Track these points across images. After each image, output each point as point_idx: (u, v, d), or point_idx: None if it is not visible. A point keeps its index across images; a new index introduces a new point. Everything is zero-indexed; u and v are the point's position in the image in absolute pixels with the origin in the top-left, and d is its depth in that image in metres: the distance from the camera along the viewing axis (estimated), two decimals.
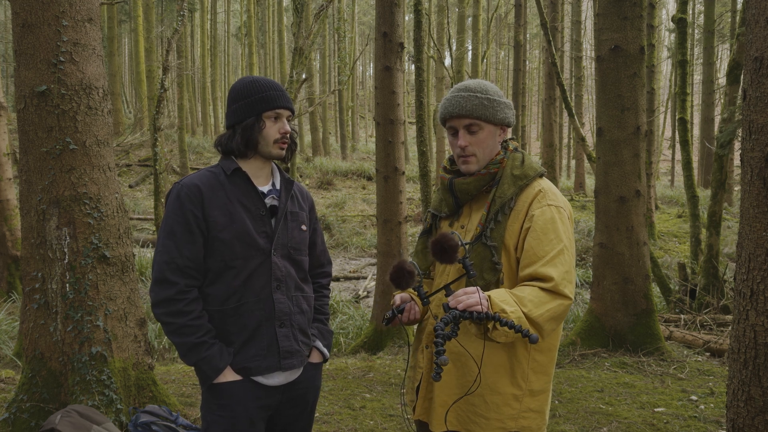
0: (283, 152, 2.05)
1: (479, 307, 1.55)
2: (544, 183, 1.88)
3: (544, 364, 1.86)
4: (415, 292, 1.98)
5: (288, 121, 2.07)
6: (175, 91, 28.29)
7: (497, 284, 1.81)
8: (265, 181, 2.09)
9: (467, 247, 1.76)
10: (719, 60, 35.12)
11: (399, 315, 1.89)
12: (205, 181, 1.98)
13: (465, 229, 1.92)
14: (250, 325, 1.97)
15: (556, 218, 1.79)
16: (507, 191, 1.84)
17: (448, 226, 1.99)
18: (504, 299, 1.65)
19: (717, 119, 18.88)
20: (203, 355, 1.91)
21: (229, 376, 1.94)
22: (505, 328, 1.58)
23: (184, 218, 1.93)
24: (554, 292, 1.70)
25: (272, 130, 2.01)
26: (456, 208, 1.97)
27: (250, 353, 1.97)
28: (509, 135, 2.00)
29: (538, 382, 1.85)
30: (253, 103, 2.00)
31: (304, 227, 2.13)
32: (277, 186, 2.11)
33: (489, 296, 1.64)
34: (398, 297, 1.96)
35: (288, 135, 2.04)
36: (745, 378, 2.17)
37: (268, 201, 2.05)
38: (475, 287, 1.61)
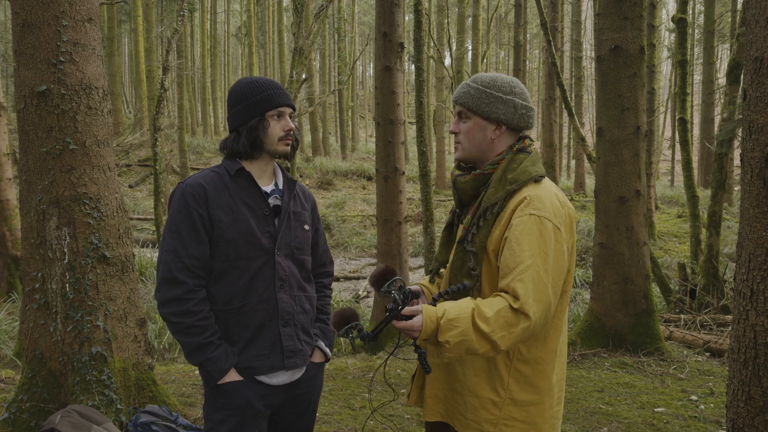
0: (289, 148, 2.06)
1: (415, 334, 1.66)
2: (536, 189, 1.76)
3: (529, 375, 1.79)
4: (426, 286, 2.06)
5: (291, 118, 2.08)
6: (175, 91, 28.28)
7: (478, 288, 1.79)
8: (267, 181, 2.09)
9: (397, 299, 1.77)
10: (719, 60, 35.11)
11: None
12: (210, 181, 1.98)
13: None
14: (254, 324, 1.97)
15: (535, 229, 1.69)
16: (492, 196, 1.78)
17: (460, 223, 1.98)
18: (457, 324, 1.63)
19: (717, 119, 18.89)
20: (209, 356, 1.91)
21: (233, 376, 1.95)
22: (445, 344, 1.65)
23: (189, 217, 1.93)
24: (520, 312, 1.64)
25: (276, 128, 2.02)
26: (462, 206, 1.96)
27: (253, 353, 1.97)
28: (520, 132, 1.92)
29: (522, 393, 1.79)
30: (255, 104, 2.00)
31: (306, 227, 2.13)
32: (280, 186, 2.11)
33: (439, 325, 1.63)
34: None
35: (292, 132, 2.05)
36: (745, 378, 2.17)
37: (272, 201, 2.06)
38: (420, 317, 1.65)
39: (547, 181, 1.84)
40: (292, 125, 2.05)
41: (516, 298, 1.65)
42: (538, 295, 1.65)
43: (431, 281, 2.08)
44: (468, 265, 1.78)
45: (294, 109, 2.09)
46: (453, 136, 1.93)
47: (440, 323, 1.62)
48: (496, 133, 1.86)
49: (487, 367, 1.80)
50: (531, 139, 1.93)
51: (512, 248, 1.69)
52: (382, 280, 1.74)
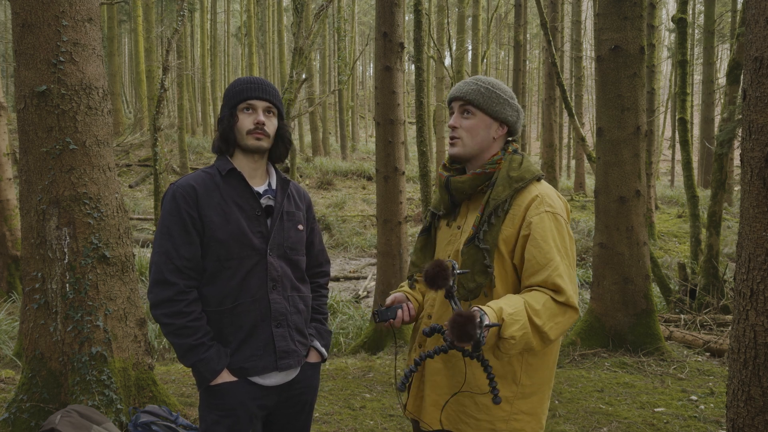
0: (260, 143, 2.00)
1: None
2: (542, 187, 1.85)
3: (537, 366, 1.83)
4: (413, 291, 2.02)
5: (270, 114, 2.04)
6: (175, 91, 28.30)
7: (489, 287, 1.79)
8: (260, 181, 2.08)
9: (456, 273, 1.69)
10: (719, 60, 35.11)
11: (391, 320, 1.89)
12: (200, 181, 1.98)
13: (461, 230, 1.91)
14: (247, 325, 1.96)
15: (554, 226, 1.78)
16: (501, 193, 1.82)
17: (446, 225, 1.98)
18: (517, 318, 1.61)
19: (717, 119, 18.89)
20: (201, 356, 1.90)
21: (226, 377, 1.94)
22: (510, 340, 1.60)
23: (180, 219, 1.93)
24: (566, 305, 1.71)
25: (246, 121, 2.00)
26: (452, 207, 1.96)
27: (246, 353, 1.96)
28: (509, 137, 1.96)
29: (530, 386, 1.82)
30: (228, 99, 2.03)
31: (300, 227, 2.12)
32: (273, 186, 2.10)
33: (503, 320, 1.59)
34: (391, 297, 1.96)
35: (262, 125, 2.00)
36: (745, 378, 2.17)
37: (264, 201, 2.04)
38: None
39: (544, 180, 1.92)
40: (262, 118, 2.00)
41: (558, 292, 1.71)
42: (574, 287, 1.74)
43: (411, 287, 2.07)
44: (484, 262, 1.79)
45: (274, 104, 2.04)
46: (449, 130, 1.94)
47: (504, 318, 1.61)
48: (498, 133, 1.91)
49: (500, 364, 1.80)
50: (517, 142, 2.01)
51: (539, 245, 1.75)
52: (437, 277, 1.66)
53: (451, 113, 1.94)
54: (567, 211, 1.87)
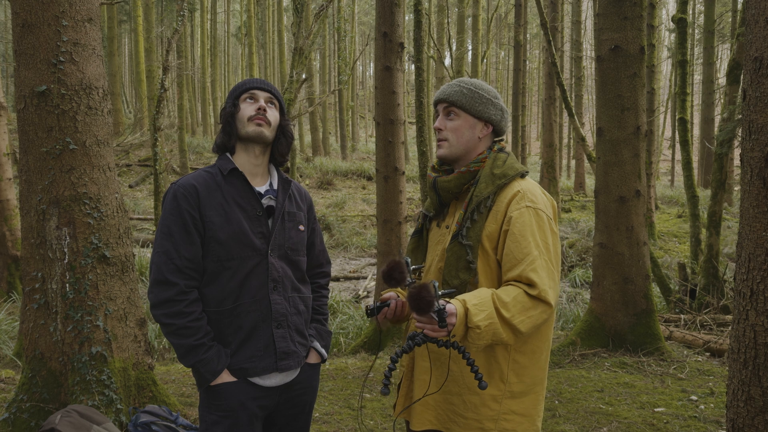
0: (261, 129, 2.01)
1: (443, 336, 1.58)
2: (524, 184, 1.86)
3: (526, 365, 1.83)
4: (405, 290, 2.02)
5: (271, 105, 2.07)
6: (175, 91, 28.28)
7: (474, 283, 1.80)
8: (262, 181, 2.08)
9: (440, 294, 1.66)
10: (719, 60, 35.11)
11: (385, 308, 1.90)
12: (202, 181, 1.97)
13: (449, 229, 1.92)
14: (247, 326, 1.96)
15: (534, 221, 1.77)
16: (484, 190, 1.83)
17: (436, 226, 1.99)
18: (483, 309, 1.63)
19: (717, 119, 18.88)
20: (201, 357, 1.90)
21: (226, 377, 1.94)
22: (476, 329, 1.60)
23: (181, 218, 1.92)
24: (538, 299, 1.70)
25: (247, 110, 2.03)
26: (440, 207, 1.98)
27: (246, 354, 1.96)
28: (496, 137, 1.99)
29: (519, 384, 1.82)
30: (230, 95, 2.08)
31: (301, 227, 2.12)
32: (275, 186, 2.09)
33: (467, 309, 1.62)
34: (388, 294, 1.97)
35: (264, 111, 2.02)
36: (745, 378, 2.17)
37: (265, 201, 2.04)
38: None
39: (529, 177, 1.93)
40: (263, 104, 2.03)
41: (531, 286, 1.70)
42: (551, 282, 1.73)
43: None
44: (466, 258, 1.80)
45: (273, 95, 2.08)
46: (436, 132, 1.96)
47: (468, 308, 1.62)
48: (483, 132, 1.94)
49: (486, 362, 1.80)
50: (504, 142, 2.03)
51: (517, 240, 1.75)
52: (393, 272, 1.71)
53: (436, 116, 1.97)
54: (553, 207, 1.87)
